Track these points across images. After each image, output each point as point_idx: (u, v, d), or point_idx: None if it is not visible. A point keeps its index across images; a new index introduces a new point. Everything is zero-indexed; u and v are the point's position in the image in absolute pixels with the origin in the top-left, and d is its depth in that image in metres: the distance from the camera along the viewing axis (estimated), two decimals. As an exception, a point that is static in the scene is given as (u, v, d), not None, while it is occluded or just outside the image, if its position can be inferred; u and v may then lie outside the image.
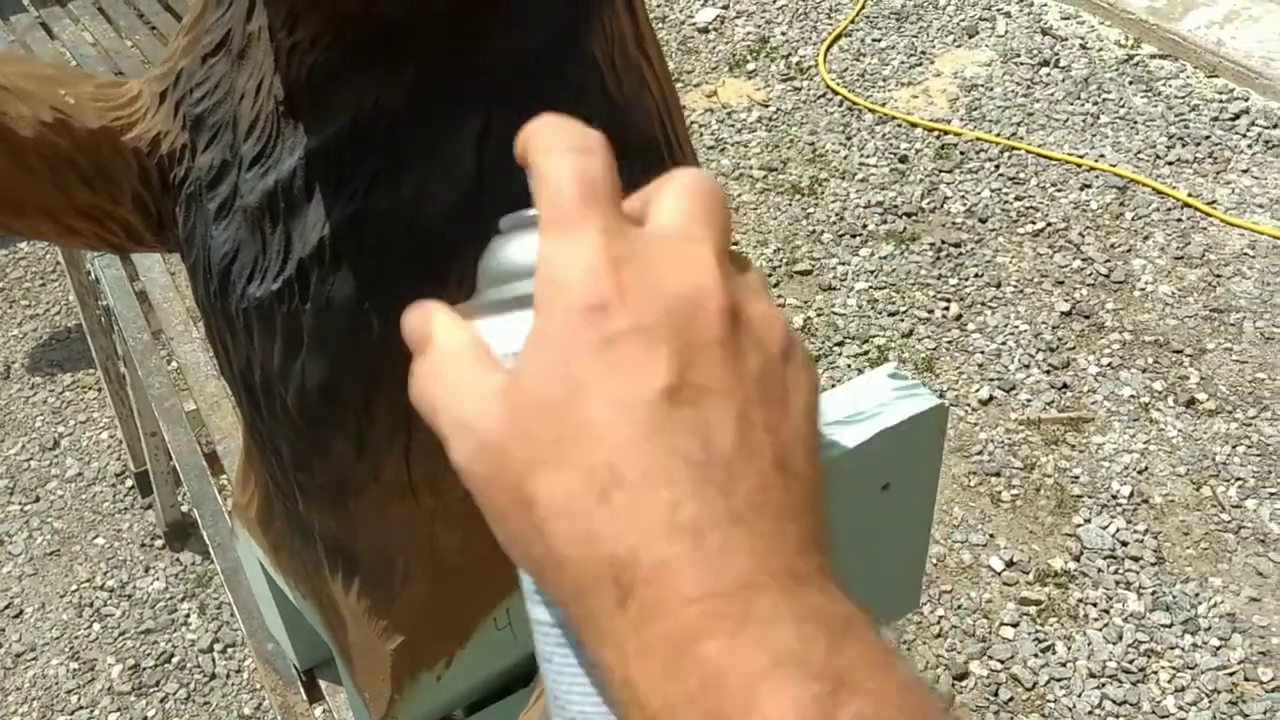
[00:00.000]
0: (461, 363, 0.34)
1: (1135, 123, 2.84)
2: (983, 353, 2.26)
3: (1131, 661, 1.73)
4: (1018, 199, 2.64)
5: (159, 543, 2.04)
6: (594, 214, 0.33)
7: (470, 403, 0.33)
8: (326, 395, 0.69)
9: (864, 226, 2.61)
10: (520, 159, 0.36)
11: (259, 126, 0.65)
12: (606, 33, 0.63)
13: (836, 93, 3.07)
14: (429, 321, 0.36)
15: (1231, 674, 1.71)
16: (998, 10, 3.31)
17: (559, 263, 0.32)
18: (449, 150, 0.61)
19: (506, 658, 0.92)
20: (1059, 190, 2.66)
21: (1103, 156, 2.74)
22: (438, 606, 0.83)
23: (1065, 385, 2.18)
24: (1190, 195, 2.59)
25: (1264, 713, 1.65)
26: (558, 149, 0.34)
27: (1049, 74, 3.05)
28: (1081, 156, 2.74)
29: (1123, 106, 2.90)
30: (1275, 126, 2.76)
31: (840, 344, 2.32)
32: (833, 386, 1.17)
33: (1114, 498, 1.97)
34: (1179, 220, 2.53)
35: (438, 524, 0.78)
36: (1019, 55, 3.13)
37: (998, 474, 2.02)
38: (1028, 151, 2.78)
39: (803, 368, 0.33)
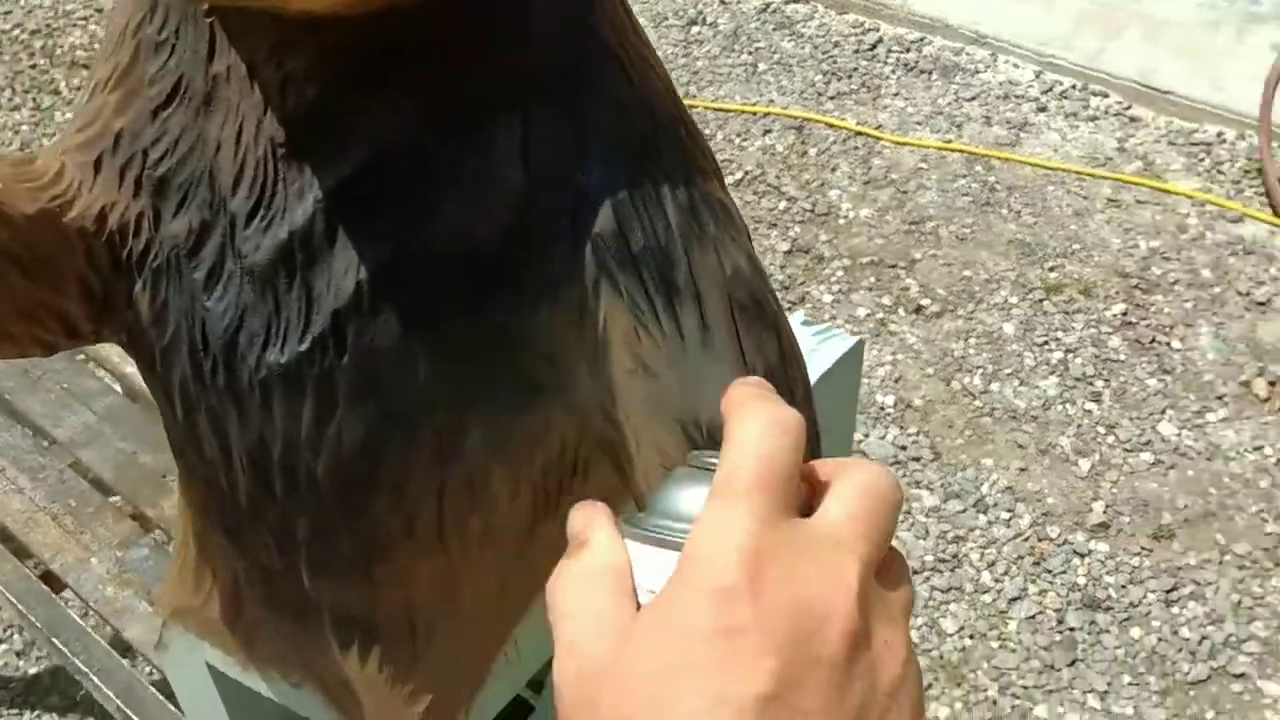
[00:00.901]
0: (603, 585, 0.36)
1: (790, 66, 3.03)
2: (726, 303, 2.36)
3: (944, 551, 1.88)
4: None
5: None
6: (759, 499, 0.34)
7: (591, 629, 0.35)
8: (366, 456, 0.63)
9: (578, 205, 2.65)
10: (723, 412, 0.38)
11: (248, 176, 0.58)
12: (612, 22, 0.61)
13: (509, 81, 3.07)
14: (591, 527, 0.37)
15: (1026, 539, 1.89)
16: (637, -20, 3.42)
17: (708, 537, 0.34)
18: (493, 166, 0.58)
19: (514, 688, 0.89)
20: (745, 139, 2.81)
21: (772, 101, 2.92)
22: (459, 656, 0.79)
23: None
24: (859, 124, 2.81)
25: (1062, 564, 1.84)
26: (756, 418, 0.36)
27: (700, 32, 3.20)
28: (754, 105, 2.90)
29: (775, 53, 3.09)
30: (908, 50, 3.04)
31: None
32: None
33: (882, 409, 2.12)
34: (856, 148, 2.74)
35: (459, 570, 0.74)
36: (667, 18, 3.26)
37: (776, 411, 2.12)
38: (705, 108, 2.90)
39: (905, 705, 0.34)
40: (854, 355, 0.97)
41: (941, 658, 1.73)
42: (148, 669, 1.06)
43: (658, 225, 0.58)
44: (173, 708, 1.02)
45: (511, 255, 0.59)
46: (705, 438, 0.58)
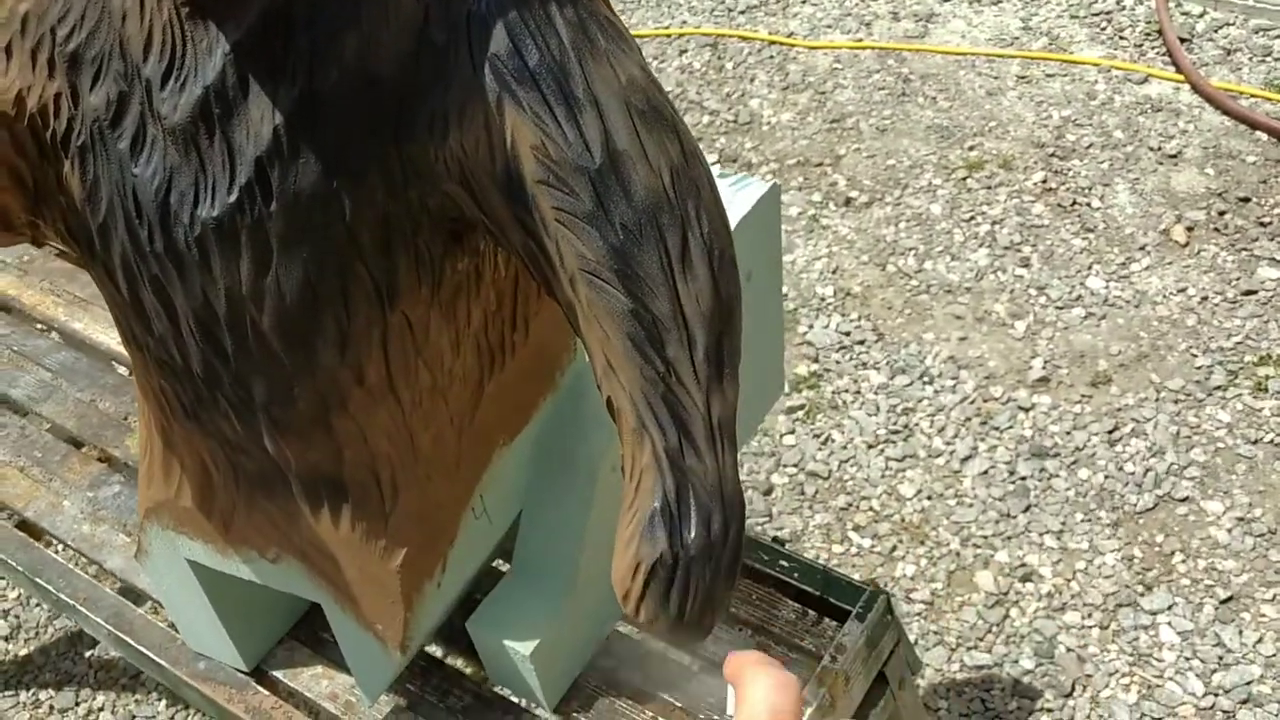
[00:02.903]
0: None
1: (698, -13, 3.06)
2: (660, 220, 2.39)
3: (895, 423, 1.94)
4: (629, 81, 2.79)
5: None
6: None
7: None
8: (305, 302, 0.67)
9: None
10: (729, 678, 0.47)
11: (157, 41, 0.61)
12: None
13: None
14: None
15: (972, 402, 1.96)
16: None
17: None
18: (385, 1, 0.61)
19: (487, 547, 0.93)
20: (662, 61, 2.83)
21: (685, 23, 2.94)
22: (426, 511, 0.83)
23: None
24: (771, 34, 2.84)
25: (1008, 420, 1.91)
26: (761, 682, 0.46)
27: (604, -33, 3.21)
28: (668, 28, 2.93)
29: (681, -23, 3.11)
30: (811, -40, 3.07)
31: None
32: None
33: (823, 300, 2.18)
34: (771, 57, 2.78)
35: (414, 422, 0.78)
36: (571, -42, 3.27)
37: (720, 316, 2.16)
38: (618, 38, 2.92)
39: None
40: (771, 199, 1.01)
41: (903, 520, 1.79)
42: (138, 601, 1.09)
43: (550, 42, 0.62)
44: (160, 624, 1.05)
45: (415, 83, 0.62)
46: (622, 240, 0.62)
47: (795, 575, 1.00)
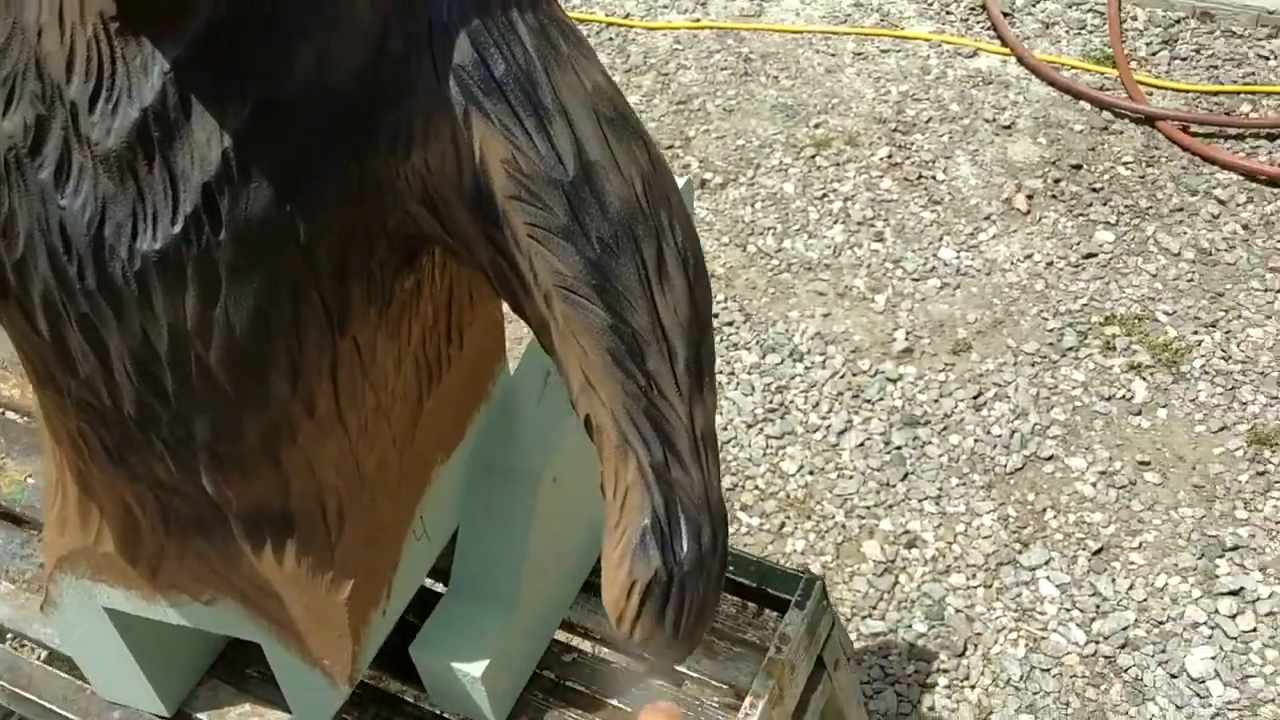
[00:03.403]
0: None
1: (531, -29, 3.02)
2: (516, 209, 2.35)
3: (771, 401, 1.97)
4: (469, 68, 2.73)
5: None
6: None
7: None
8: (256, 333, 0.62)
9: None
10: None
11: (81, 59, 0.56)
12: None
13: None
14: None
15: (842, 376, 2.00)
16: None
17: None
18: (340, 9, 0.57)
19: (425, 568, 0.89)
20: (500, 48, 2.78)
21: (521, 8, 2.90)
22: (372, 536, 0.80)
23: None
24: (608, 15, 2.83)
25: (878, 392, 1.96)
26: None
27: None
28: (503, 13, 2.88)
29: (512, -40, 3.06)
30: (642, -60, 3.06)
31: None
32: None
33: (687, 282, 2.18)
34: (611, 39, 2.77)
35: (360, 447, 0.75)
36: (396, -59, 3.17)
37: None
38: (454, 24, 2.86)
39: None
40: (685, 195, 1.00)
41: (788, 497, 1.82)
42: (27, 647, 1.01)
43: (515, 50, 0.59)
44: (63, 675, 0.98)
45: (375, 96, 0.58)
46: (599, 254, 0.60)
47: (730, 569, 1.00)
